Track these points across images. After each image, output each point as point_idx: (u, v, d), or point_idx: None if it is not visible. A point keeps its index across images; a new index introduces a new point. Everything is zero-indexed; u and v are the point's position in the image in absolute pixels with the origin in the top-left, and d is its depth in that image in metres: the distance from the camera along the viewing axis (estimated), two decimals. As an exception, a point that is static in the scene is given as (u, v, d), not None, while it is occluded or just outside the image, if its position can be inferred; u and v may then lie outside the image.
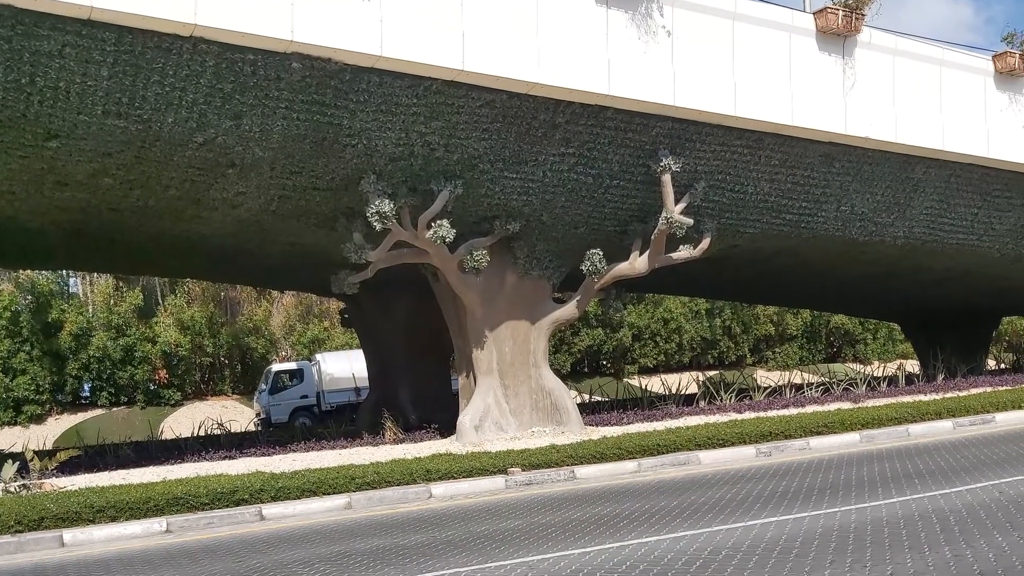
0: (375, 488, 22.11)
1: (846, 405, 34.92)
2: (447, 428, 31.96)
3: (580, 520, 17.41)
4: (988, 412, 31.64)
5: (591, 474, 23.71)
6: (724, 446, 26.26)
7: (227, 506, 20.90)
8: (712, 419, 31.91)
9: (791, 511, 16.78)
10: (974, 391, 37.69)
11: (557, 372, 39.96)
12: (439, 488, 22.26)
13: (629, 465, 24.39)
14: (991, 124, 35.03)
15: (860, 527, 14.92)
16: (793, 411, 33.49)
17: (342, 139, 24.67)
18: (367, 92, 24.07)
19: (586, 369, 79.20)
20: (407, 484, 22.44)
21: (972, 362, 49.61)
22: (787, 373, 65.30)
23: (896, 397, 37.43)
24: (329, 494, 21.77)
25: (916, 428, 29.44)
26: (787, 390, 42.55)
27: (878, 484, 19.39)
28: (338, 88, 23.76)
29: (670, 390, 46.68)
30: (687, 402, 39.46)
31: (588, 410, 37.95)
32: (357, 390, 54.09)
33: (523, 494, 21.83)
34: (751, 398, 38.90)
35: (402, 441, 31.62)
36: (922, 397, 36.70)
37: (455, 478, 22.94)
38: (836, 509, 16.70)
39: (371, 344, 42.70)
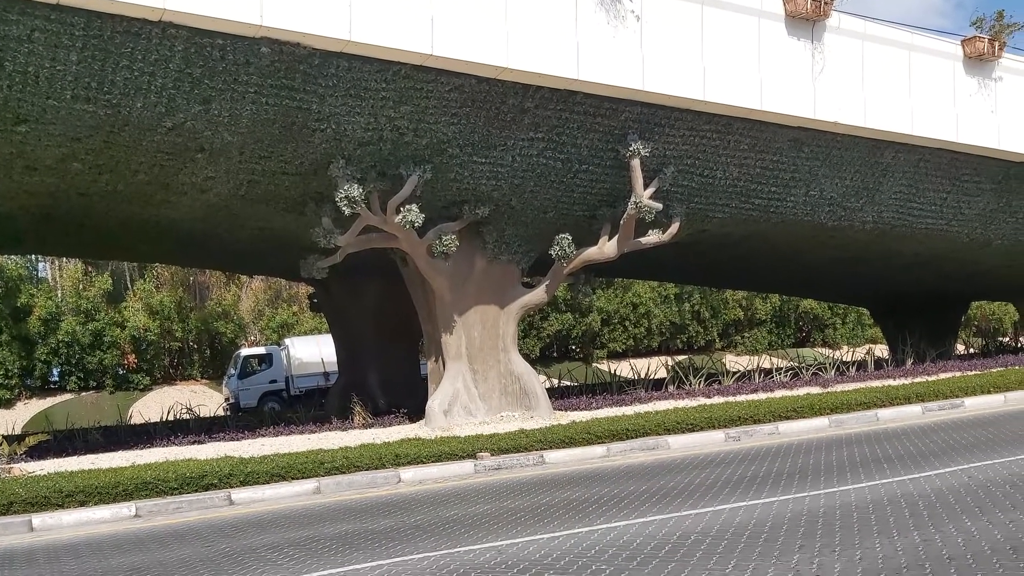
0: (344, 473, 22.09)
1: (815, 390, 35.07)
2: (416, 413, 32.00)
3: (549, 504, 17.42)
4: (957, 397, 31.77)
5: (560, 459, 23.73)
6: (693, 431, 26.31)
7: (196, 491, 20.87)
8: (681, 404, 32.01)
9: (760, 496, 16.82)
10: (943, 376, 37.84)
11: (526, 357, 40.08)
12: (408, 473, 22.25)
13: (598, 450, 24.42)
14: (960, 109, 35.15)
15: (829, 512, 14.97)
16: (762, 396, 33.54)
17: (311, 124, 24.62)
18: (336, 77, 24.02)
19: (555, 354, 79.39)
20: (376, 469, 22.42)
21: (941, 347, 49.83)
22: (756, 358, 65.29)
23: (865, 382, 37.53)
24: (298, 479, 21.75)
25: (885, 413, 29.53)
26: (756, 375, 42.46)
27: (847, 469, 19.46)
28: (307, 73, 23.70)
29: (639, 375, 46.71)
30: (656, 387, 39.45)
31: (557, 395, 38.05)
32: (326, 375, 54.11)
33: (492, 479, 21.84)
34: (720, 383, 39.03)
35: (371, 426, 31.62)
36: (891, 382, 36.79)
37: (424, 463, 22.94)
38: (805, 494, 16.75)
39: (340, 329, 42.65)
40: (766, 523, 14.38)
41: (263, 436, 30.67)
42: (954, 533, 12.86)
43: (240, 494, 20.82)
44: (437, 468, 22.64)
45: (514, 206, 29.07)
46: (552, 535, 14.50)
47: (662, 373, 51.76)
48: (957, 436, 23.85)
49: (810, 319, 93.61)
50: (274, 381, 57.09)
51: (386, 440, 25.62)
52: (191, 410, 47.31)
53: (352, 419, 32.50)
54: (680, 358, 70.15)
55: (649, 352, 79.73)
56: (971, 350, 63.47)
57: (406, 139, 25.97)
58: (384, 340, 39.71)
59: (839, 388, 34.99)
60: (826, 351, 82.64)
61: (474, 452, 23.62)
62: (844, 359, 55.59)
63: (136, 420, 51.48)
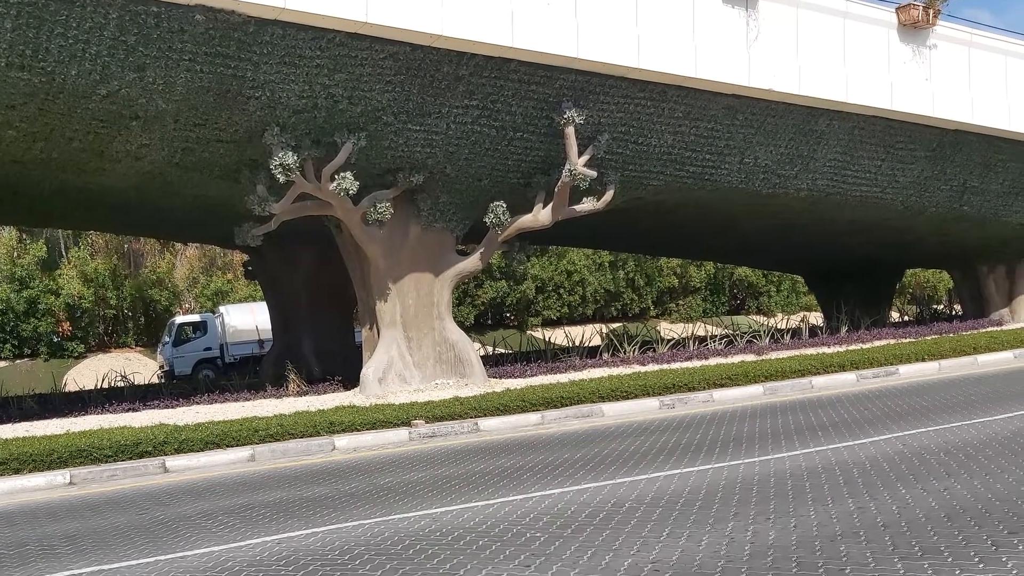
0: (278, 440, 22.08)
1: (749, 357, 35.28)
2: (351, 380, 32.00)
3: (483, 472, 17.47)
4: (891, 364, 32.10)
5: (494, 426, 23.80)
6: (628, 398, 26.41)
7: (130, 458, 20.83)
8: (615, 371, 32.16)
9: (695, 463, 16.92)
10: (877, 343, 38.17)
11: (461, 324, 40.08)
12: (343, 440, 22.27)
13: (532, 417, 24.49)
14: (894, 76, 35.42)
15: (763, 479, 15.08)
16: (696, 363, 33.73)
17: (246, 91, 24.51)
18: (270, 44, 23.92)
19: (490, 321, 79.53)
20: (310, 436, 22.44)
21: (875, 314, 50.25)
22: (690, 325, 65.76)
23: (799, 349, 37.83)
24: (232, 446, 21.72)
25: (819, 380, 29.79)
26: (690, 342, 42.59)
27: (781, 436, 19.60)
28: (241, 40, 23.58)
29: (573, 342, 47.01)
30: (590, 354, 39.63)
31: (491, 362, 38.05)
32: (260, 342, 54.00)
33: (427, 446, 21.87)
34: (654, 350, 39.10)
35: (305, 393, 31.61)
36: (825, 349, 37.14)
37: (358, 430, 22.96)
38: (739, 461, 16.86)
39: (274, 296, 42.58)
40: (700, 490, 14.47)
41: (197, 404, 30.56)
42: (888, 501, 12.97)
43: (175, 462, 20.79)
44: (372, 436, 22.67)
45: (448, 174, 29.05)
46: (487, 503, 14.55)
47: (596, 341, 51.99)
48: (891, 404, 24.06)
49: (744, 287, 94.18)
50: (209, 349, 56.96)
51: (320, 408, 25.55)
52: (126, 378, 47.22)
53: (287, 387, 32.51)
54: (614, 326, 70.51)
55: (583, 320, 79.97)
56: (905, 318, 64.05)
57: (340, 107, 25.90)
58: (319, 308, 39.70)
59: (773, 356, 35.16)
60: (760, 319, 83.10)
61: (409, 420, 23.65)
62: (778, 327, 55.85)
63: (71, 388, 51.23)
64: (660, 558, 10.62)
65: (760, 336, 43.43)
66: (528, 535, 12.19)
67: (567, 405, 25.44)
